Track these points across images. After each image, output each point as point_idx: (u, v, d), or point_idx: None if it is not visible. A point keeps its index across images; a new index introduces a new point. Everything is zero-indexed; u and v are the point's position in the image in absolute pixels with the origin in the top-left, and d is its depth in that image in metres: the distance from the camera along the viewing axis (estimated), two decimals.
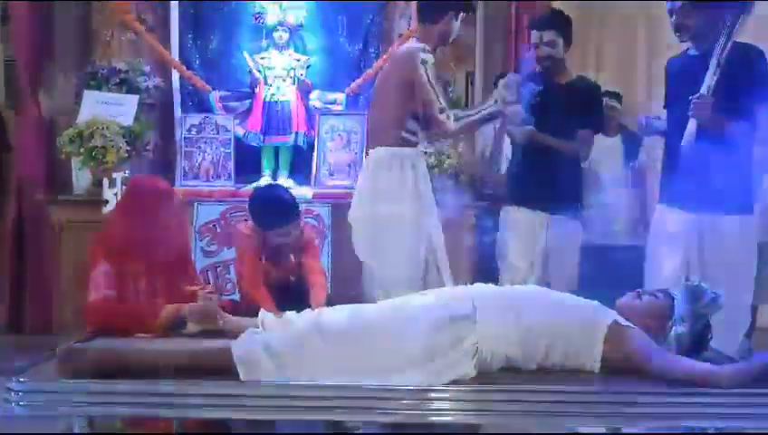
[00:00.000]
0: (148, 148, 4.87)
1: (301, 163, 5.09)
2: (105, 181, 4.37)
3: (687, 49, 3.20)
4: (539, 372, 2.32)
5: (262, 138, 5.01)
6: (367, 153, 3.50)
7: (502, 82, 3.45)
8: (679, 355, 2.31)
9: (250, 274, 3.42)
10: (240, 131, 5.03)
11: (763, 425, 2.14)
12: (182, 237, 3.13)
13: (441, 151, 4.68)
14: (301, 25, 5.14)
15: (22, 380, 2.17)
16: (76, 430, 2.20)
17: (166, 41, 5.11)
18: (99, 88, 4.75)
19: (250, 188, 4.74)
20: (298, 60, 5.07)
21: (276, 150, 5.06)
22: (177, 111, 5.15)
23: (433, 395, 2.16)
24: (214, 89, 5.08)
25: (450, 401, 2.17)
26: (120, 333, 2.60)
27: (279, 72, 5.02)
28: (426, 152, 4.18)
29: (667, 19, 3.21)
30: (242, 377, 2.21)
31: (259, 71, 5.02)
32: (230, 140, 4.94)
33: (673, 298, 2.44)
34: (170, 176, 4.80)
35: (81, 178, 4.63)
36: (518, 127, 3.61)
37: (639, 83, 5.21)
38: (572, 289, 3.33)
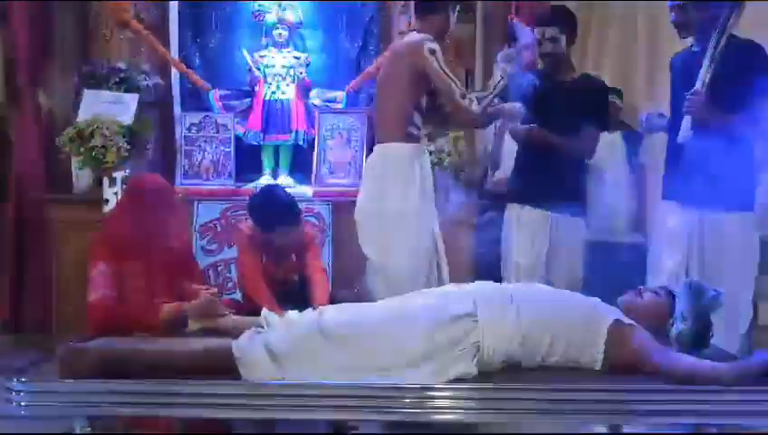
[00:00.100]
0: (148, 147, 4.86)
1: (301, 161, 5.08)
2: (105, 180, 4.37)
3: (691, 45, 3.20)
4: (540, 370, 2.33)
5: (262, 136, 5.00)
6: (370, 149, 3.49)
7: (501, 55, 3.50)
8: (680, 353, 2.31)
9: (250, 273, 3.43)
10: (240, 130, 5.03)
11: (765, 423, 2.14)
12: (182, 236, 3.13)
13: (441, 149, 4.67)
14: (300, 23, 5.13)
15: (22, 379, 2.17)
16: (77, 431, 2.19)
17: (165, 39, 5.09)
18: (98, 87, 4.73)
19: (250, 186, 4.74)
20: (298, 58, 5.06)
21: (276, 149, 5.05)
22: (177, 110, 5.15)
23: (434, 393, 2.17)
24: (213, 87, 5.07)
25: (451, 399, 2.17)
26: (120, 333, 2.60)
27: (279, 70, 5.01)
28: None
29: (667, 16, 3.21)
30: (243, 376, 2.21)
31: (259, 69, 5.01)
32: (230, 138, 4.94)
33: (674, 296, 2.44)
34: (170, 175, 4.79)
35: (81, 178, 4.62)
36: (519, 125, 3.61)
37: (639, 81, 5.20)
38: (576, 287, 3.33)
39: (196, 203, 4.55)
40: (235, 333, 2.41)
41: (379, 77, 3.59)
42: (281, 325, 2.34)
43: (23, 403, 2.16)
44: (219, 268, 4.54)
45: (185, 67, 5.07)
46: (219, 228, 4.55)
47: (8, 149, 5.09)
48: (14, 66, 5.13)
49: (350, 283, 4.08)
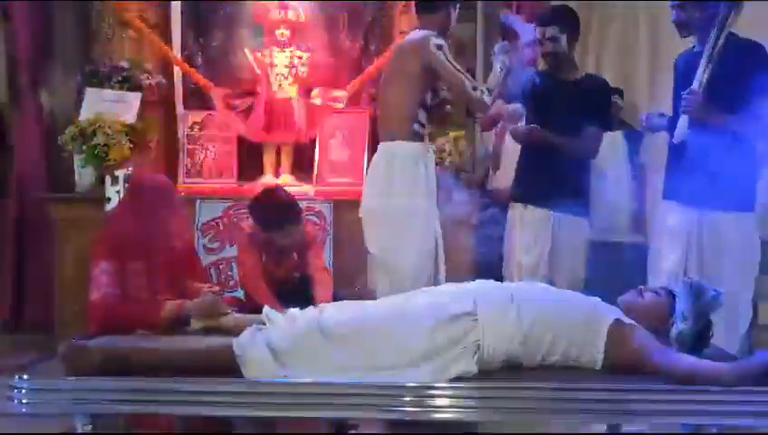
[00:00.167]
0: (150, 145, 4.86)
1: (302, 160, 5.09)
2: (107, 179, 4.38)
3: (693, 46, 3.21)
4: (540, 369, 2.33)
5: (264, 135, 5.01)
6: (372, 148, 3.50)
7: (497, 47, 3.55)
8: (681, 353, 2.31)
9: (251, 272, 3.44)
10: (242, 129, 5.03)
11: (765, 423, 2.14)
12: (184, 235, 3.13)
13: (442, 149, 4.68)
14: (302, 23, 5.13)
15: (24, 377, 2.17)
16: (79, 430, 2.20)
17: (168, 38, 5.10)
18: (101, 86, 4.74)
19: (252, 185, 4.75)
20: (300, 57, 5.06)
21: (278, 148, 5.06)
22: (180, 109, 5.16)
23: (434, 392, 2.17)
24: (216, 86, 5.08)
25: (451, 398, 2.17)
26: (122, 332, 2.61)
27: (281, 69, 5.01)
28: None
29: (668, 15, 3.22)
30: (244, 374, 2.21)
31: (261, 68, 5.01)
32: (232, 137, 4.95)
33: (674, 296, 2.44)
34: (173, 173, 4.80)
35: (83, 176, 4.63)
36: (520, 125, 3.62)
37: (640, 81, 5.20)
38: (578, 287, 3.33)
39: (198, 202, 4.55)
40: (236, 331, 2.42)
41: (383, 76, 3.59)
42: (282, 324, 2.35)
43: (24, 401, 2.16)
44: (221, 266, 4.54)
45: (187, 66, 5.08)
46: (221, 227, 4.56)
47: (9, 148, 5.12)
48: (16, 65, 5.15)
49: (351, 281, 4.09)
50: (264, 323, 2.37)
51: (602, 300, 2.48)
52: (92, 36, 4.99)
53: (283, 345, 2.25)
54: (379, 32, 5.26)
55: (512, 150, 4.20)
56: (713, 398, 2.13)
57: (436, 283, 3.29)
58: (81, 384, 2.19)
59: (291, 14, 5.03)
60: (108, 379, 2.19)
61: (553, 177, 3.55)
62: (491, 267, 3.83)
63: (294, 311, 2.45)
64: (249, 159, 5.04)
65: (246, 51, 5.07)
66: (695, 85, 3.00)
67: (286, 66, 5.02)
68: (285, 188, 3.82)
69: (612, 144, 4.75)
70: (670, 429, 2.25)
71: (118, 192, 4.29)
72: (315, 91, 5.10)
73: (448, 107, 3.61)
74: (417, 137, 3.38)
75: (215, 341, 2.40)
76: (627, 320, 2.38)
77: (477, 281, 2.56)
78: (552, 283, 3.38)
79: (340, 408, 2.18)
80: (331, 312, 2.39)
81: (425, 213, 3.36)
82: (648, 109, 4.41)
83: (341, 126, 5.00)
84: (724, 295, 2.44)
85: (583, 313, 2.38)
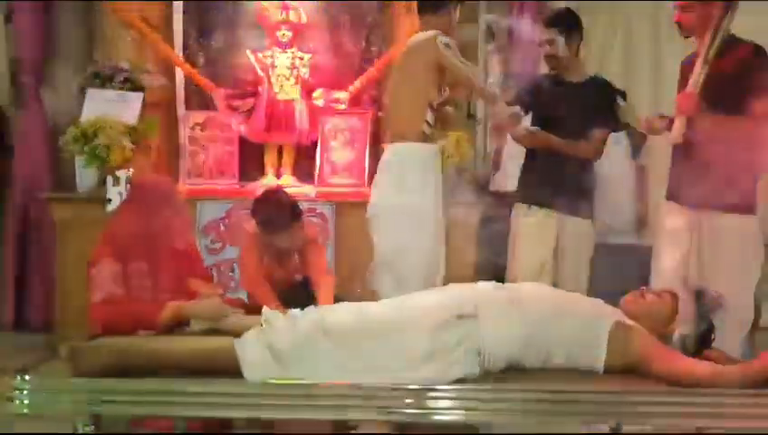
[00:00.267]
0: (151, 146, 4.87)
1: (304, 162, 5.09)
2: (109, 179, 4.38)
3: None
4: (542, 371, 2.32)
5: (265, 136, 5.01)
6: (373, 150, 3.51)
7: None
8: (683, 355, 2.31)
9: (252, 272, 3.44)
10: (244, 130, 5.04)
11: (766, 426, 2.14)
12: (186, 235, 3.13)
13: (444, 150, 4.68)
14: (304, 24, 5.13)
15: (25, 378, 2.17)
16: (80, 430, 2.20)
17: (169, 39, 5.11)
18: (102, 86, 4.74)
19: (253, 186, 4.75)
20: (301, 58, 5.07)
21: (280, 149, 5.06)
22: (181, 110, 5.16)
23: (436, 394, 2.17)
24: (217, 87, 5.08)
25: (453, 399, 2.17)
26: (124, 332, 2.60)
27: (282, 70, 5.02)
28: None
29: (669, 17, 3.22)
30: (245, 376, 2.21)
31: (263, 69, 5.02)
32: (234, 138, 4.95)
33: (677, 298, 2.44)
34: (174, 174, 4.80)
35: (84, 177, 4.63)
36: (522, 128, 3.62)
37: (643, 82, 5.20)
38: (582, 289, 3.33)
39: (199, 203, 4.55)
40: (237, 332, 2.41)
41: (390, 78, 3.59)
42: (283, 325, 2.34)
43: (25, 402, 2.16)
44: (222, 267, 4.54)
45: (189, 67, 5.08)
46: (222, 228, 4.56)
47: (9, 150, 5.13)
48: (18, 65, 5.16)
49: (353, 283, 4.09)
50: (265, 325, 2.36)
51: (606, 301, 2.48)
52: (94, 37, 5.00)
53: (284, 346, 2.24)
54: (381, 33, 5.26)
55: (513, 151, 4.20)
56: (714, 400, 2.13)
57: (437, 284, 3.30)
58: (82, 385, 2.18)
59: (292, 15, 5.04)
60: (109, 380, 2.19)
61: (557, 178, 3.55)
62: (493, 268, 3.83)
63: (295, 312, 2.44)
64: (250, 160, 5.04)
65: (248, 52, 5.08)
66: (690, 86, 3.00)
67: (288, 67, 5.02)
68: (286, 189, 3.82)
69: (616, 145, 4.75)
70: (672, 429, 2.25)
71: (119, 193, 4.29)
72: (317, 93, 5.10)
73: (449, 108, 3.60)
74: (426, 138, 3.40)
75: (216, 342, 2.39)
76: (628, 322, 2.37)
77: (479, 282, 2.56)
78: (555, 284, 3.39)
79: (341, 409, 2.18)
80: (332, 313, 2.39)
81: (433, 214, 3.38)
82: (651, 110, 4.41)
83: (343, 127, 5.00)
84: (726, 298, 2.44)
85: (585, 314, 2.38)
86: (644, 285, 2.64)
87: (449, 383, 2.19)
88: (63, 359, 2.24)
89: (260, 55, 5.04)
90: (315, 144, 5.02)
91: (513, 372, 2.30)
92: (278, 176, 5.01)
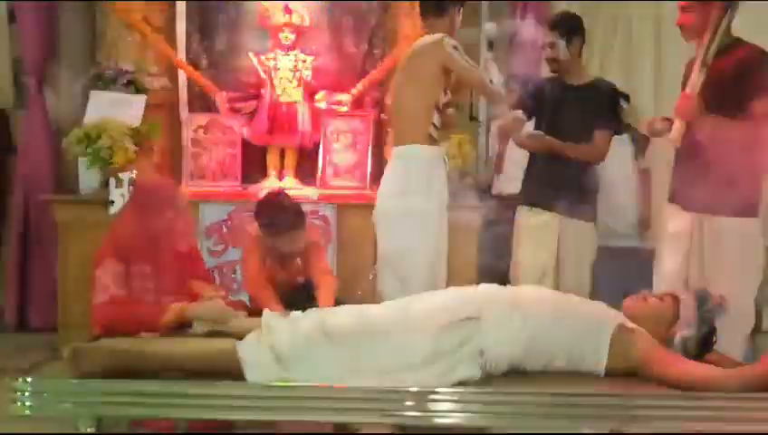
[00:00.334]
0: (154, 148, 4.87)
1: (306, 164, 5.09)
2: (112, 181, 4.39)
3: None
4: (544, 374, 2.32)
5: (268, 138, 5.01)
6: (375, 152, 3.51)
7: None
8: (685, 359, 2.30)
9: (254, 275, 3.44)
10: (246, 132, 5.04)
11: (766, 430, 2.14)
12: (189, 237, 3.13)
13: (446, 152, 4.68)
14: (307, 26, 5.14)
15: (27, 379, 2.18)
16: (81, 430, 2.20)
17: (172, 42, 5.12)
18: (106, 88, 4.75)
19: (256, 188, 4.75)
20: (304, 61, 5.06)
21: (282, 151, 5.06)
22: (184, 112, 5.17)
23: (437, 397, 2.17)
24: (220, 89, 5.08)
25: (454, 402, 2.17)
26: (126, 334, 2.61)
27: (285, 72, 5.01)
28: None
29: (672, 19, 3.22)
30: (247, 378, 2.21)
31: (265, 72, 5.02)
32: (236, 140, 4.95)
33: (678, 302, 2.43)
34: (177, 176, 4.81)
35: (87, 178, 4.64)
36: (524, 133, 3.63)
37: (645, 85, 5.20)
38: (584, 292, 3.33)
39: (202, 205, 4.55)
40: (239, 334, 2.42)
41: (396, 81, 3.60)
42: (285, 327, 2.35)
43: (27, 403, 2.17)
44: (224, 269, 4.54)
45: (191, 69, 5.09)
46: (225, 230, 4.56)
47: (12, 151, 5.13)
48: (21, 66, 5.17)
49: (355, 285, 4.09)
50: (267, 327, 2.37)
51: (609, 304, 2.48)
52: (97, 38, 5.00)
53: (286, 349, 2.25)
54: (383, 35, 5.27)
55: (515, 154, 4.20)
56: (716, 404, 2.13)
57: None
58: (84, 387, 2.19)
59: (295, 18, 5.03)
60: (111, 381, 2.19)
61: (560, 180, 3.56)
62: (495, 271, 3.83)
63: (297, 314, 2.45)
64: (253, 162, 5.04)
65: (251, 54, 5.08)
66: (688, 89, 3.01)
67: (290, 70, 5.02)
68: (289, 191, 3.82)
69: (619, 148, 4.75)
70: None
71: (122, 195, 4.29)
72: (319, 95, 5.11)
73: (451, 110, 3.61)
74: (433, 140, 3.42)
75: (218, 344, 2.40)
76: (630, 325, 2.37)
77: (481, 285, 2.56)
78: (557, 287, 3.39)
79: (342, 412, 2.18)
80: (333, 315, 2.40)
81: (439, 216, 3.40)
82: (652, 111, 4.42)
83: (345, 129, 5.00)
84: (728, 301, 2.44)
85: (587, 318, 2.38)
86: (646, 289, 2.64)
87: (451, 386, 2.19)
88: (65, 360, 2.25)
89: (262, 58, 5.04)
90: (317, 146, 5.02)
91: (515, 375, 2.31)
92: (280, 178, 5.01)
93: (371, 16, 5.27)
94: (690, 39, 3.15)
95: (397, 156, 3.46)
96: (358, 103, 5.17)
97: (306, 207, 3.67)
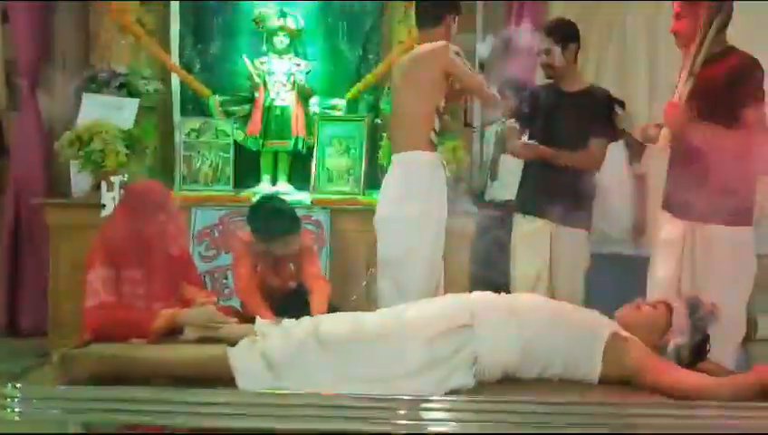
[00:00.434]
0: (147, 152, 4.86)
1: (300, 168, 5.09)
2: (103, 185, 4.37)
3: None
4: (538, 382, 2.32)
5: (261, 142, 5.00)
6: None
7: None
8: (677, 367, 2.30)
9: (245, 281, 3.42)
10: (239, 136, 5.03)
11: None
12: (180, 241, 3.12)
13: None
14: (301, 31, 5.13)
15: (17, 385, 2.16)
16: (70, 431, 2.19)
17: (166, 45, 5.10)
18: (99, 91, 4.73)
19: (249, 192, 4.74)
20: (298, 65, 5.06)
21: (275, 155, 5.05)
22: (177, 115, 5.15)
23: (431, 405, 2.16)
24: (213, 93, 5.07)
25: (448, 411, 2.16)
26: (117, 339, 2.59)
27: (279, 77, 5.01)
28: None
29: (666, 25, 3.22)
30: (239, 385, 2.20)
31: (259, 76, 5.01)
32: (229, 144, 4.94)
33: (672, 310, 2.43)
34: (169, 180, 4.79)
35: (79, 181, 4.62)
36: (518, 143, 3.64)
37: (640, 91, 5.20)
38: (577, 299, 3.32)
39: (194, 209, 4.53)
40: (231, 340, 2.40)
41: (396, 88, 3.60)
42: (277, 334, 2.33)
43: (17, 409, 2.15)
44: (216, 275, 4.52)
45: (184, 72, 5.08)
46: (217, 234, 4.54)
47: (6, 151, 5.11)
48: (14, 68, 5.15)
49: (348, 291, 4.08)
50: (259, 334, 2.35)
51: (603, 313, 2.47)
52: (91, 41, 4.99)
53: (278, 356, 2.23)
54: (378, 40, 5.26)
55: (510, 161, 4.20)
56: (710, 413, 2.13)
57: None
58: (74, 393, 2.17)
59: (290, 22, 5.03)
60: (101, 387, 2.17)
61: (554, 187, 3.55)
62: (488, 278, 3.82)
63: (290, 321, 2.44)
64: (246, 166, 5.03)
65: (245, 58, 5.07)
66: (675, 97, 3.00)
67: (284, 73, 5.02)
68: (282, 196, 3.81)
69: (614, 153, 4.74)
70: None
71: (113, 198, 4.27)
72: (313, 99, 5.10)
73: (446, 116, 3.62)
74: (433, 146, 3.47)
75: (209, 350, 2.38)
76: (624, 333, 2.37)
77: (475, 292, 2.55)
78: (551, 294, 3.39)
79: (334, 420, 2.16)
80: (327, 322, 2.38)
81: (438, 222, 3.43)
82: (646, 117, 4.42)
83: (339, 134, 4.99)
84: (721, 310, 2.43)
85: (581, 326, 2.37)
86: (641, 296, 2.64)
87: (444, 394, 2.18)
88: (54, 366, 2.23)
89: (257, 61, 5.04)
90: (311, 151, 5.01)
91: (508, 383, 2.30)
92: (273, 183, 5.00)
93: (366, 21, 5.27)
94: (684, 46, 3.15)
95: (398, 162, 3.49)
96: (352, 108, 5.16)
97: (300, 212, 3.66)
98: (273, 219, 3.35)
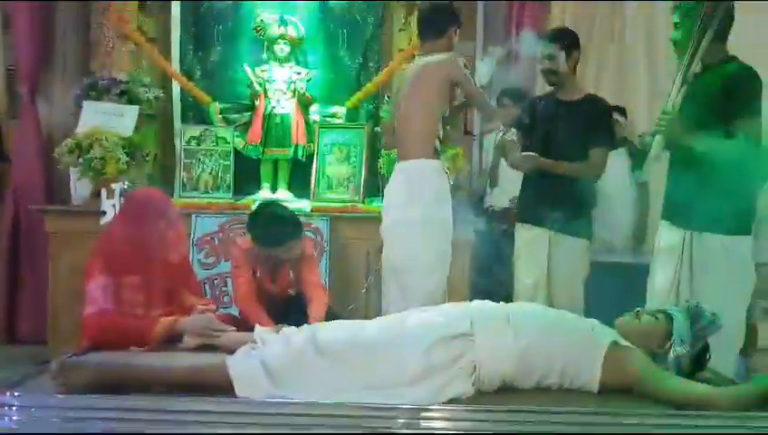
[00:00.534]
0: (147, 159, 4.86)
1: (300, 176, 5.09)
2: (103, 192, 4.37)
3: None
4: (537, 391, 2.31)
5: (261, 150, 5.01)
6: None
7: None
8: (678, 376, 2.29)
9: (244, 289, 3.42)
10: (240, 144, 5.04)
11: None
12: (181, 250, 3.11)
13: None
14: (302, 39, 5.14)
15: (15, 394, 2.15)
16: None
17: (166, 52, 5.11)
18: (99, 98, 4.74)
19: (249, 200, 4.74)
20: (299, 73, 5.07)
21: (275, 163, 5.06)
22: (177, 123, 5.16)
23: (429, 414, 2.14)
24: (214, 101, 5.08)
25: (446, 420, 2.15)
26: (116, 347, 2.59)
27: (279, 84, 5.02)
28: None
29: (665, 33, 3.23)
30: (238, 393, 2.19)
31: (259, 83, 5.02)
32: (229, 152, 4.94)
33: (672, 319, 2.42)
34: (169, 188, 4.79)
35: (79, 189, 4.62)
36: (519, 154, 3.64)
37: (641, 100, 5.21)
38: (577, 308, 3.31)
39: (194, 216, 4.53)
40: (229, 348, 2.40)
41: (402, 97, 3.61)
42: (276, 342, 2.33)
43: (15, 418, 2.14)
44: (216, 282, 4.52)
45: (185, 80, 5.08)
46: (217, 242, 4.54)
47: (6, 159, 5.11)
48: (15, 76, 5.15)
49: (347, 298, 4.08)
50: (258, 342, 2.35)
51: (603, 322, 2.47)
52: (91, 48, 5.00)
53: (276, 364, 2.23)
54: (378, 48, 5.28)
55: (510, 170, 4.19)
56: (709, 423, 2.11)
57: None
58: (72, 402, 2.16)
59: (290, 30, 5.04)
60: (99, 396, 2.16)
61: (553, 196, 3.56)
62: (486, 286, 3.82)
63: (289, 329, 2.43)
64: (246, 173, 5.03)
65: (245, 66, 5.08)
66: (667, 106, 3.00)
67: (285, 81, 5.03)
68: (282, 203, 3.81)
69: (616, 161, 4.73)
70: None
71: (113, 205, 4.27)
72: (313, 107, 5.11)
73: (447, 126, 3.63)
74: (438, 154, 3.51)
75: (208, 358, 2.38)
76: (624, 342, 2.36)
77: (474, 301, 2.55)
78: (549, 304, 3.38)
79: (333, 428, 2.15)
80: (326, 330, 2.37)
81: (443, 228, 3.47)
82: (648, 127, 4.41)
83: (340, 142, 4.99)
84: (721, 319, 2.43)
85: (580, 335, 2.37)
86: (642, 306, 2.63)
87: (443, 403, 2.18)
88: (52, 374, 2.22)
89: (257, 69, 5.05)
90: (311, 158, 5.01)
91: (507, 392, 2.29)
92: (273, 190, 5.00)
93: (366, 29, 5.28)
94: (681, 56, 3.15)
95: (402, 169, 3.51)
96: (352, 116, 5.17)
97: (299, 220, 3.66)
98: (274, 225, 3.35)
